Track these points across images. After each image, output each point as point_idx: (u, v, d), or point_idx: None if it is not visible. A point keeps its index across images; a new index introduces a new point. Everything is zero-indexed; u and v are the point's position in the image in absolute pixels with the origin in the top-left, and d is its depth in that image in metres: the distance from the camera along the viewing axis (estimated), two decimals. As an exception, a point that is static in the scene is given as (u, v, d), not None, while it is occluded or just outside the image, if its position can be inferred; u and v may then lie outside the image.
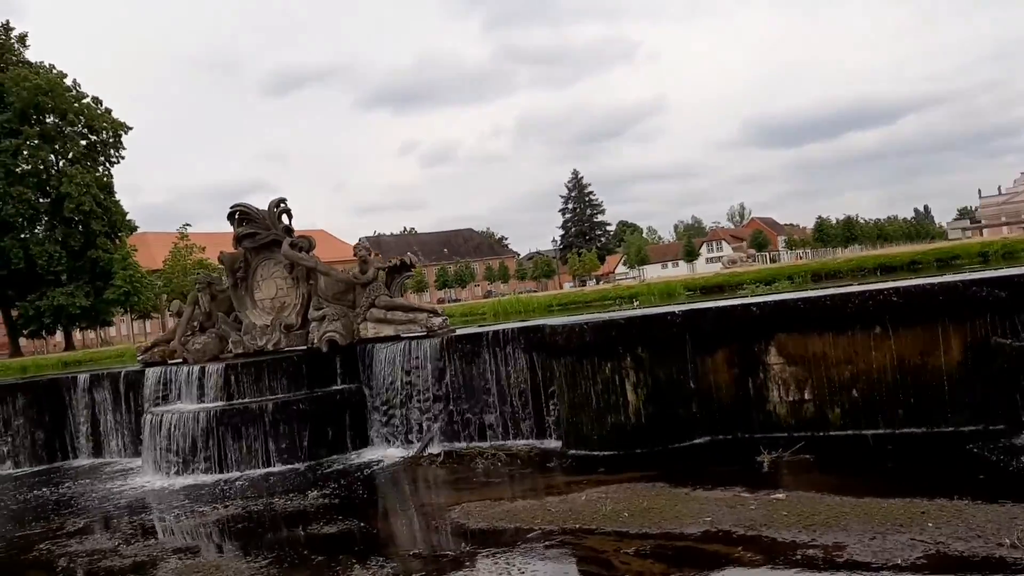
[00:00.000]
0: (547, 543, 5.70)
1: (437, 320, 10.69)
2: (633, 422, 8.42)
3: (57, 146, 54.38)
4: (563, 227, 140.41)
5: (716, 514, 5.79)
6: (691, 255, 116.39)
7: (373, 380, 10.54)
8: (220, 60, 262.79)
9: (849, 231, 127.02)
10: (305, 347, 11.35)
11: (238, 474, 9.78)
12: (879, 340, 7.88)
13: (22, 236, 53.08)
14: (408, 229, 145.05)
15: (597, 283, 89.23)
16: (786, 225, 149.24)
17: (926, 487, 5.85)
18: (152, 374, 11.48)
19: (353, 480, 8.86)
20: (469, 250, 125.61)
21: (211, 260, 50.74)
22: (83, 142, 55.98)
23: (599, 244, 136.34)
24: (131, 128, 57.66)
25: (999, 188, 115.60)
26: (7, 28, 55.90)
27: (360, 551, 6.11)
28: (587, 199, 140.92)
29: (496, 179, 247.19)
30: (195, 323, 12.11)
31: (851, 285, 11.84)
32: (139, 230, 62.60)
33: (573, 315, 16.44)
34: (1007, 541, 4.64)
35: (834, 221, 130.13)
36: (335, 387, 10.74)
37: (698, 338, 8.63)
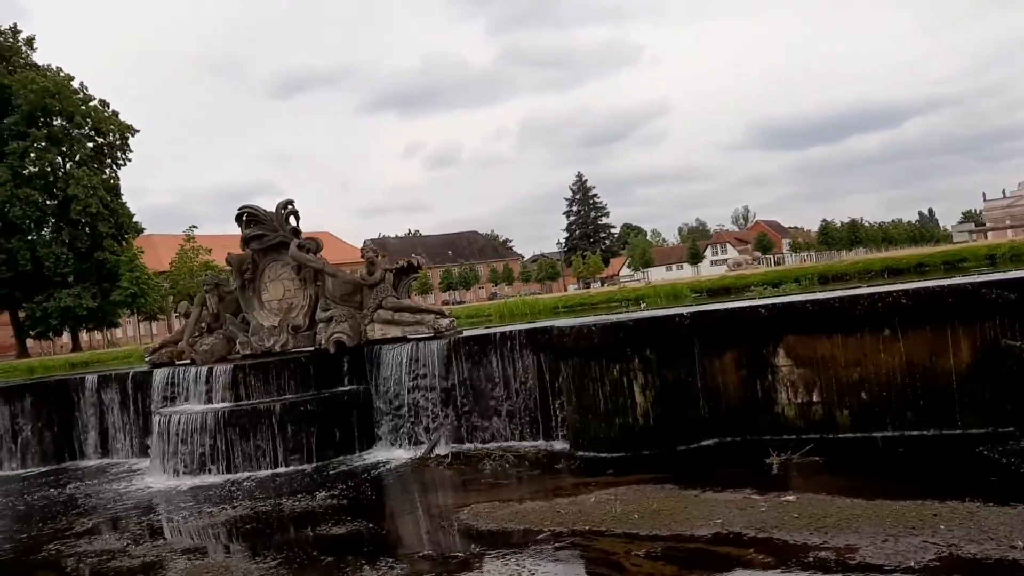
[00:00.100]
0: (557, 545, 5.69)
1: (444, 321, 10.69)
2: (641, 424, 8.41)
3: (64, 148, 54.50)
4: (567, 229, 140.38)
5: (727, 516, 5.78)
6: (695, 258, 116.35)
7: (380, 381, 10.54)
8: (226, 63, 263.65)
9: (854, 234, 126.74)
10: (312, 348, 11.36)
11: (246, 475, 9.78)
12: (888, 342, 7.86)
13: (29, 238, 53.28)
14: (412, 231, 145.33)
15: (602, 285, 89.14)
16: (790, 228, 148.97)
17: (937, 489, 5.83)
18: (160, 375, 11.50)
19: (361, 481, 8.86)
20: (473, 252, 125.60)
21: (217, 262, 50.81)
22: (90, 144, 56.11)
23: (603, 246, 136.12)
24: (138, 131, 57.88)
25: (1003, 191, 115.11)
26: (15, 31, 56.15)
27: (369, 552, 6.11)
28: (591, 201, 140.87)
29: (500, 182, 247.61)
30: (203, 324, 12.13)
31: (859, 287, 11.83)
32: (145, 232, 62.70)
33: (579, 317, 16.43)
34: (1020, 544, 4.62)
35: (839, 224, 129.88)
36: (342, 388, 10.74)
37: (706, 340, 8.62)
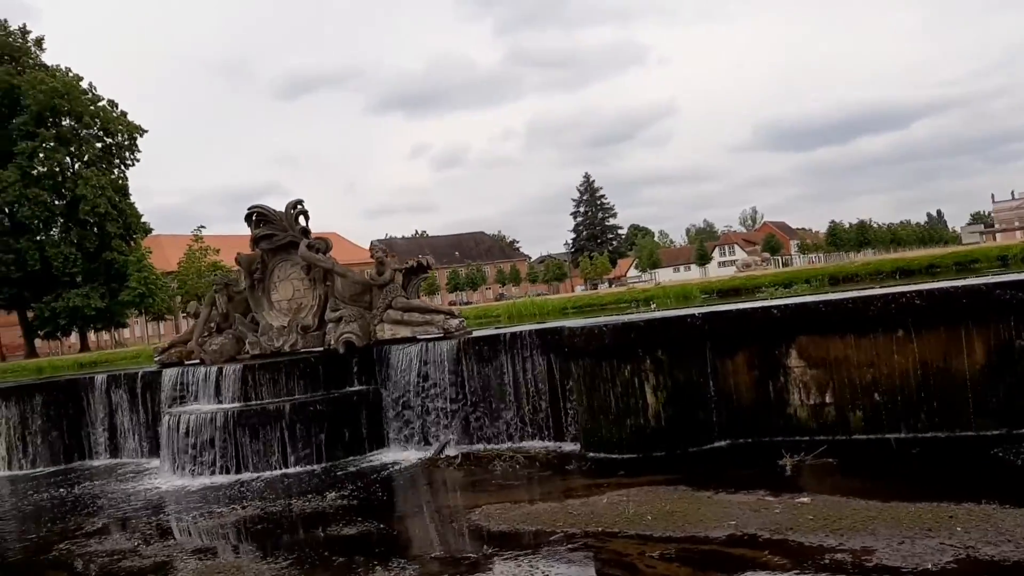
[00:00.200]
0: (570, 546, 5.66)
1: (454, 322, 10.67)
2: (652, 425, 8.37)
3: (73, 148, 54.73)
4: (574, 230, 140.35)
5: (740, 518, 5.74)
6: (703, 259, 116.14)
7: (390, 381, 10.52)
8: (233, 64, 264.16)
9: (862, 235, 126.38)
10: (322, 348, 11.35)
11: (255, 475, 9.77)
12: (901, 343, 7.80)
13: (38, 238, 53.49)
14: (419, 232, 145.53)
15: (609, 286, 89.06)
16: (798, 229, 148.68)
17: (952, 491, 5.79)
18: (169, 375, 11.50)
19: (370, 482, 8.84)
20: (480, 253, 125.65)
21: (225, 262, 50.95)
22: (99, 145, 56.38)
23: (611, 247, 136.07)
24: (146, 131, 58.05)
25: (1012, 193, 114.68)
26: (24, 31, 56.35)
27: (381, 553, 6.08)
28: (598, 202, 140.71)
29: (507, 182, 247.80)
30: (212, 324, 12.12)
31: (871, 288, 11.76)
32: (153, 232, 62.89)
33: (589, 317, 16.38)
34: (1039, 546, 4.57)
35: (847, 226, 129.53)
36: (352, 388, 10.73)
37: (718, 341, 8.57)
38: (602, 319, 10.84)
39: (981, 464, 6.66)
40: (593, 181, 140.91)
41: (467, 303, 76.79)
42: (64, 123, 54.62)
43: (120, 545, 7.26)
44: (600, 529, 5.92)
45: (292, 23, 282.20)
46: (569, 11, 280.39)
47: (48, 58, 57.33)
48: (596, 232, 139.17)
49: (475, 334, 10.80)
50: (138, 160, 58.39)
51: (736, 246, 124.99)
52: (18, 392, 13.11)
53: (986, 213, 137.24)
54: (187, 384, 11.20)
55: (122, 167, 57.83)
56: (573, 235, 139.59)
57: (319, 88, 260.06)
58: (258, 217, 11.80)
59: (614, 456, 8.39)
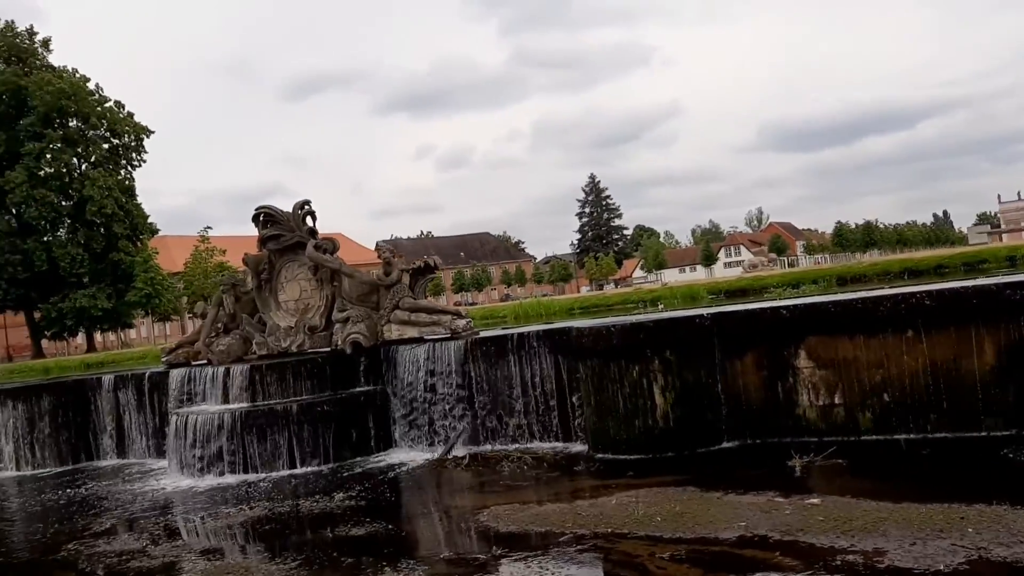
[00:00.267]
0: (579, 547, 5.64)
1: (461, 322, 10.66)
2: (661, 426, 8.34)
3: (80, 149, 54.92)
4: (580, 231, 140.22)
5: (751, 519, 5.71)
6: (709, 259, 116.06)
7: (397, 382, 10.52)
8: (238, 65, 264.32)
9: (868, 236, 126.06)
10: (329, 349, 11.35)
11: (262, 475, 9.77)
12: (911, 344, 7.76)
13: (45, 239, 53.75)
14: (425, 233, 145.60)
15: (615, 287, 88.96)
16: (804, 230, 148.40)
17: (963, 492, 5.75)
18: (176, 375, 11.51)
19: (378, 482, 8.83)
20: (485, 254, 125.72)
21: (231, 263, 51.04)
22: (105, 146, 56.54)
23: (616, 248, 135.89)
24: (153, 132, 58.29)
25: (1019, 193, 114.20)
26: (31, 33, 56.55)
27: (389, 554, 6.07)
28: (604, 203, 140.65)
29: (512, 183, 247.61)
30: (219, 325, 12.14)
31: (880, 288, 11.72)
32: (159, 233, 63.08)
33: (596, 318, 16.36)
34: (1052, 548, 4.54)
35: (853, 226, 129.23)
36: (359, 389, 10.73)
37: (727, 341, 8.54)
38: (610, 319, 10.82)
39: (991, 465, 6.63)
40: (598, 182, 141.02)
41: (472, 304, 76.80)
42: (71, 124, 54.83)
43: (128, 545, 7.26)
44: (609, 530, 5.90)
45: (297, 25, 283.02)
46: (574, 12, 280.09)
47: (55, 59, 57.56)
48: (601, 233, 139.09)
49: (482, 334, 10.80)
50: (145, 161, 58.67)
51: (742, 247, 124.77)
52: (25, 393, 13.12)
53: (992, 214, 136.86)
54: (194, 384, 11.20)
55: (129, 168, 58.06)
56: (578, 236, 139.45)
57: (324, 89, 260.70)
58: (265, 217, 11.81)
59: (622, 457, 8.37)
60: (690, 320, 8.72)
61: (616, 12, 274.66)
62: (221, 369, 10.90)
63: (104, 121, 55.81)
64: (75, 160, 55.02)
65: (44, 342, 59.80)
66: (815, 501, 5.98)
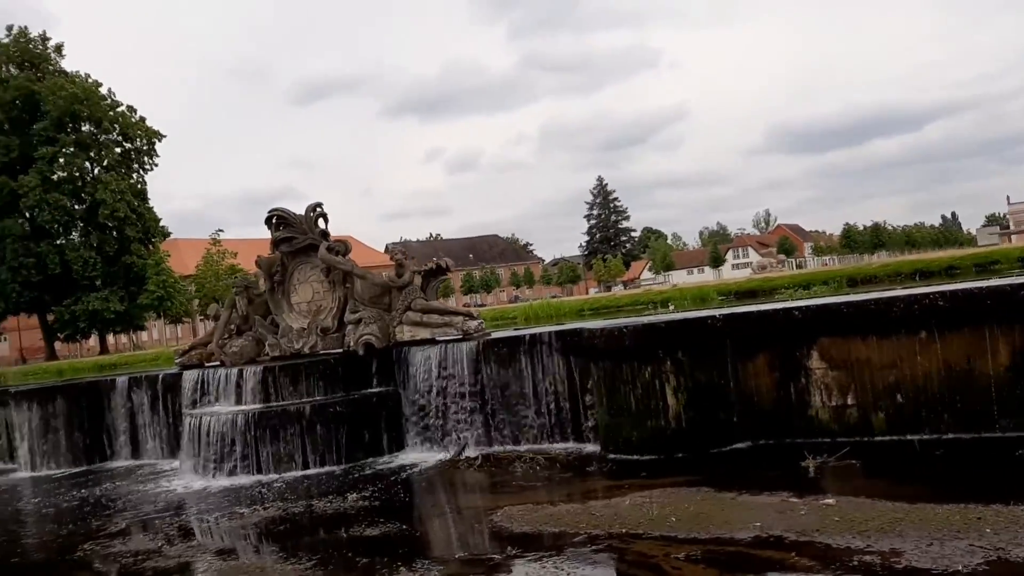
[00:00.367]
0: (593, 547, 5.64)
1: (473, 323, 10.68)
2: (673, 426, 8.34)
3: (92, 154, 55.26)
4: (588, 233, 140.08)
5: (766, 519, 5.70)
6: (717, 261, 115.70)
7: (409, 383, 10.54)
8: (248, 69, 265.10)
9: (876, 238, 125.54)
10: (341, 350, 11.38)
11: (276, 476, 9.81)
12: (924, 345, 7.74)
13: (58, 242, 54.03)
14: (434, 235, 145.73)
15: (624, 288, 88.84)
16: (812, 232, 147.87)
17: (979, 493, 5.73)
18: (190, 377, 11.56)
19: (391, 483, 8.85)
20: (494, 256, 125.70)
21: (243, 266, 51.18)
22: (118, 150, 56.84)
23: (624, 250, 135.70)
24: (164, 136, 58.59)
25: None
26: (44, 38, 56.93)
27: (404, 554, 6.08)
28: (612, 205, 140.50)
29: (520, 186, 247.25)
30: (232, 326, 12.19)
31: (892, 289, 11.68)
32: (171, 236, 63.37)
33: (606, 319, 16.35)
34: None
35: (861, 228, 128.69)
36: (371, 390, 10.76)
37: (739, 342, 8.53)
38: (621, 320, 10.81)
39: (1006, 465, 6.60)
40: (606, 184, 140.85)
41: (481, 305, 76.84)
42: (84, 128, 55.15)
43: (143, 545, 7.31)
44: (624, 531, 5.90)
45: (306, 29, 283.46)
46: (581, 15, 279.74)
47: (67, 64, 57.96)
48: (609, 235, 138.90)
49: (494, 335, 10.81)
50: (156, 165, 58.96)
51: (749, 248, 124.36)
52: (40, 394, 13.22)
53: (1001, 215, 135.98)
54: (207, 386, 11.25)
55: (141, 172, 58.38)
56: (586, 238, 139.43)
57: (334, 93, 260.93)
58: (278, 220, 11.86)
59: (635, 457, 8.37)
60: (702, 321, 8.72)
61: (624, 15, 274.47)
62: (234, 370, 10.95)
63: (116, 125, 56.18)
64: (88, 164, 55.37)
65: (57, 344, 60.16)
66: (830, 501, 5.96)
